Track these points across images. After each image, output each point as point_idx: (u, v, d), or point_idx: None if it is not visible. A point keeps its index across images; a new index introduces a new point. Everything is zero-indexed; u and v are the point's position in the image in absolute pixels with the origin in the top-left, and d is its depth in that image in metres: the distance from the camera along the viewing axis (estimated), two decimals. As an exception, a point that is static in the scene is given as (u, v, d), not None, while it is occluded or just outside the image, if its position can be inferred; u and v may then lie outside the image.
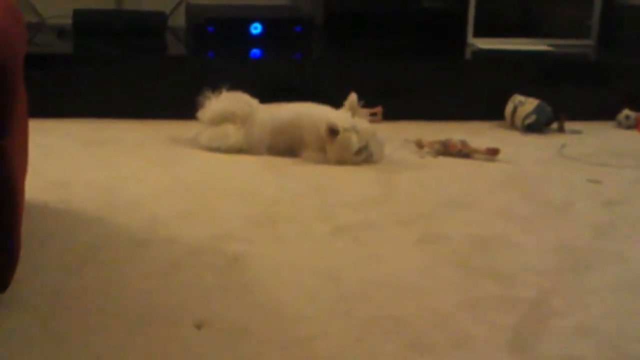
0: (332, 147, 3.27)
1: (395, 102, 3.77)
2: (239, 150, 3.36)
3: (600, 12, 4.35)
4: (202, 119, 3.42)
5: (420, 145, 3.46)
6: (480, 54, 4.19)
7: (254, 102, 3.44)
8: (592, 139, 3.76)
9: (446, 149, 3.42)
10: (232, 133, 3.37)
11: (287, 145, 3.37)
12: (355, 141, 3.26)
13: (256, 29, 4.10)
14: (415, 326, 2.10)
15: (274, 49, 4.04)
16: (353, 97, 3.35)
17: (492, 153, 3.39)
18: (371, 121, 3.47)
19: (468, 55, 4.21)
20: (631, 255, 2.57)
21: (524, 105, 3.80)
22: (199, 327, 2.04)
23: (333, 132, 3.25)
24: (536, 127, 3.78)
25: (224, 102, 3.42)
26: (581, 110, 3.93)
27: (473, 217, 2.84)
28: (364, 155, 3.29)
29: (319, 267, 2.40)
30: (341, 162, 3.28)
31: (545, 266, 2.48)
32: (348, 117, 3.29)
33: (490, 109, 3.90)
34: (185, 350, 1.96)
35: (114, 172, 3.09)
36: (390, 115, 3.72)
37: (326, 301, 2.21)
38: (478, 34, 4.28)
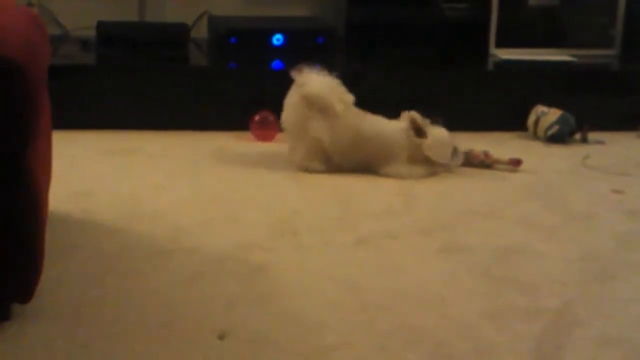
0: (426, 148, 3.22)
1: (417, 112, 3.75)
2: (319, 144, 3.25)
3: (624, 22, 4.33)
4: (306, 92, 3.22)
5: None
6: (503, 64, 4.18)
7: (349, 99, 3.28)
8: (615, 149, 3.74)
9: (468, 159, 3.41)
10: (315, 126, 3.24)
11: (366, 157, 3.26)
12: (447, 135, 3.25)
13: (278, 40, 4.11)
14: (438, 336, 2.09)
15: (295, 60, 4.04)
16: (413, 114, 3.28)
17: (515, 163, 3.38)
18: None
19: (490, 65, 4.20)
20: (655, 265, 2.56)
21: (547, 115, 3.79)
22: (221, 337, 2.04)
23: (419, 130, 3.22)
24: (559, 137, 3.76)
25: (325, 87, 3.25)
26: (604, 121, 3.91)
27: (496, 226, 2.83)
28: (459, 157, 3.31)
29: (341, 276, 2.40)
30: (433, 167, 3.27)
31: (568, 276, 2.47)
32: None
33: (512, 120, 3.89)
34: (207, 359, 1.96)
35: (137, 182, 3.10)
36: (413, 125, 3.71)
37: (348, 311, 2.21)
38: (500, 44, 4.27)
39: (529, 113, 3.85)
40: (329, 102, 3.23)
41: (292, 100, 3.29)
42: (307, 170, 3.27)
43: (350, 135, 3.25)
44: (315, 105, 3.23)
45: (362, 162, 3.29)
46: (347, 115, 3.26)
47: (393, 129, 3.29)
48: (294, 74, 3.28)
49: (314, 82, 3.25)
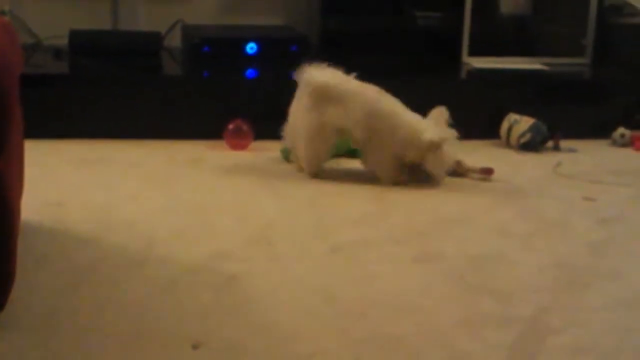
0: (432, 161, 3.25)
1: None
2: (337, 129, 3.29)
3: (595, 31, 4.37)
4: (317, 84, 3.27)
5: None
6: (476, 72, 4.20)
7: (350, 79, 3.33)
8: (587, 157, 3.76)
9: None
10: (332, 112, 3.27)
11: (374, 134, 3.27)
12: (451, 156, 3.29)
13: (252, 48, 4.11)
14: (413, 344, 2.09)
15: (269, 69, 4.05)
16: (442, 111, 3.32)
17: (487, 173, 3.39)
18: None
19: (463, 74, 4.22)
20: (627, 272, 2.58)
21: (519, 124, 3.81)
22: (195, 346, 2.04)
23: (435, 146, 3.23)
24: (531, 145, 3.78)
25: (331, 76, 3.29)
26: (576, 129, 3.94)
27: (469, 234, 2.84)
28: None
29: (316, 285, 2.40)
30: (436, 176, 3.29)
31: (542, 284, 2.48)
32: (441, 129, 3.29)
33: (485, 128, 3.91)
34: (182, 370, 1.95)
35: (110, 192, 3.09)
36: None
37: (323, 319, 2.21)
38: (473, 52, 4.30)
39: (502, 121, 3.87)
40: (341, 87, 3.27)
41: (302, 102, 3.30)
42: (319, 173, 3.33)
43: (367, 109, 3.26)
44: (332, 94, 3.26)
45: (374, 135, 3.28)
46: (362, 93, 3.29)
47: (410, 122, 3.29)
48: (295, 76, 3.30)
49: (320, 75, 3.28)
